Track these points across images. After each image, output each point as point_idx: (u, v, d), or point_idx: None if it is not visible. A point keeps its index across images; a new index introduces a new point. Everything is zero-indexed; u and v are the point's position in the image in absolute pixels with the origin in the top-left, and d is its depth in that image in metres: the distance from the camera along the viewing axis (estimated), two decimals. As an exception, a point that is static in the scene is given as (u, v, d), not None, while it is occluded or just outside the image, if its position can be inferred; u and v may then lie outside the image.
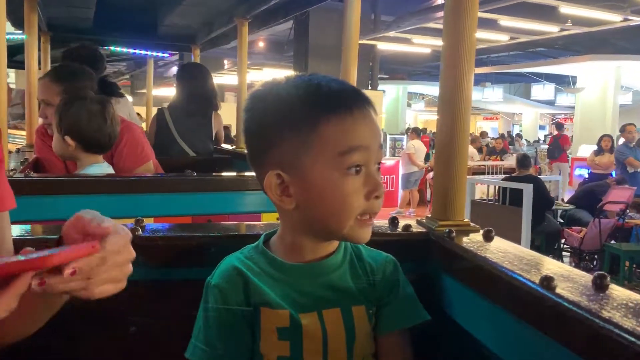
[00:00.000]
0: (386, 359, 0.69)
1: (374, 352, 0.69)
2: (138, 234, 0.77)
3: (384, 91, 12.65)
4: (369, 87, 10.53)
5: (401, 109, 15.39)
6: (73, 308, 0.70)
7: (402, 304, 0.70)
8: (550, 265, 0.64)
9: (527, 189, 4.02)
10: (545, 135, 16.45)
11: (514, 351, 0.61)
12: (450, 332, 0.76)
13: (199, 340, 0.65)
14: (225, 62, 13.49)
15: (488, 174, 7.19)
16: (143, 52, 5.79)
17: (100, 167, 1.52)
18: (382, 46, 10.48)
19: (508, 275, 0.60)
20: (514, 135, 15.94)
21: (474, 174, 7.04)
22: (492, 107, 19.17)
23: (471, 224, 0.85)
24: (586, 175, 7.14)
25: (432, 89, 17.37)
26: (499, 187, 4.48)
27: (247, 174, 1.59)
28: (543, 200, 4.30)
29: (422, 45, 9.89)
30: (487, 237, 0.76)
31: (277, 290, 0.65)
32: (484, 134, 9.62)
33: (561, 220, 4.98)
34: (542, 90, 16.50)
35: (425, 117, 22.39)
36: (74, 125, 1.45)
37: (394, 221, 0.85)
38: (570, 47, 12.18)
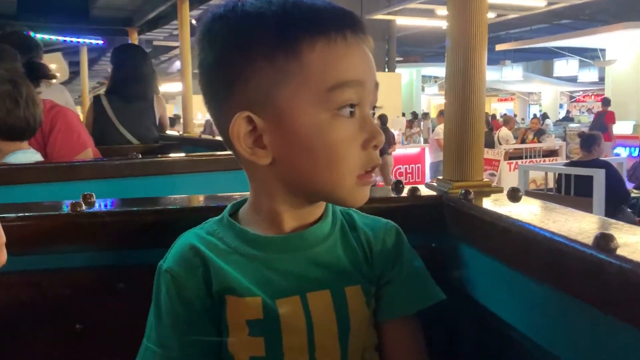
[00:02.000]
0: (391, 352, 0.66)
1: (376, 344, 0.66)
2: (80, 210, 0.76)
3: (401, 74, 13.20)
4: (385, 69, 10.84)
5: (415, 93, 16.10)
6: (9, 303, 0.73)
7: (409, 282, 0.66)
8: (603, 223, 0.60)
9: (599, 176, 3.79)
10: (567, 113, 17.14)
11: (556, 334, 0.58)
12: (471, 315, 0.75)
13: (151, 341, 0.62)
14: None
15: (525, 158, 7.20)
16: (74, 39, 5.83)
17: (25, 154, 1.52)
18: (402, 21, 10.51)
19: (547, 238, 0.56)
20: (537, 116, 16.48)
21: (510, 158, 7.11)
22: (510, 87, 19.71)
23: (493, 184, 0.85)
24: (624, 154, 7.16)
25: (443, 71, 18.13)
26: (559, 174, 4.29)
27: (196, 154, 1.64)
28: (618, 189, 4.03)
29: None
30: (514, 197, 0.74)
31: (247, 272, 0.61)
32: (509, 119, 9.88)
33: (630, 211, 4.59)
34: (565, 66, 16.97)
35: (439, 101, 22.91)
36: None
37: (398, 185, 0.85)
38: (597, 16, 12.58)
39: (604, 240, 0.49)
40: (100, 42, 6.51)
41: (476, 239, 0.72)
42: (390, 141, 7.62)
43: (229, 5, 0.60)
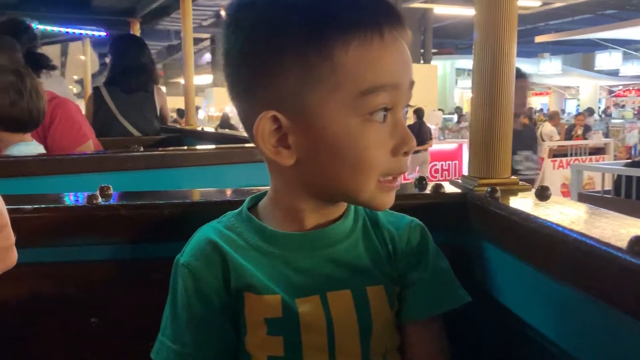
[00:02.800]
0: (413, 353, 0.68)
1: (398, 345, 0.68)
2: (97, 202, 0.81)
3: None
4: (421, 61, 10.92)
5: (449, 86, 16.25)
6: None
7: (434, 283, 0.68)
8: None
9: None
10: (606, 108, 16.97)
11: (583, 339, 0.59)
12: (494, 316, 0.77)
13: (166, 335, 0.64)
14: None
15: (570, 155, 7.23)
16: (77, 31, 5.99)
17: (28, 146, 1.59)
18: (440, 10, 10.48)
19: (576, 240, 0.56)
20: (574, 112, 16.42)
21: (554, 156, 7.06)
22: (546, 81, 19.56)
23: (520, 182, 0.88)
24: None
25: None
26: (617, 175, 4.14)
27: (200, 147, 1.71)
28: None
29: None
30: (542, 196, 0.77)
31: (266, 269, 0.64)
32: (554, 114, 9.72)
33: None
34: (607, 59, 16.79)
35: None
36: None
37: (421, 181, 0.88)
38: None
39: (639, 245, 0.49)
40: (103, 34, 6.65)
41: (502, 239, 0.74)
42: (427, 136, 7.78)
43: None
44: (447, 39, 15.00)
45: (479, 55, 0.87)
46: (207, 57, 19.68)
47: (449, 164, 8.68)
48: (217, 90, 17.35)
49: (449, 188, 0.88)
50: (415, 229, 0.71)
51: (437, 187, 0.86)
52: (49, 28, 6.19)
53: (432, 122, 8.62)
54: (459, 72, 19.17)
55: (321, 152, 0.59)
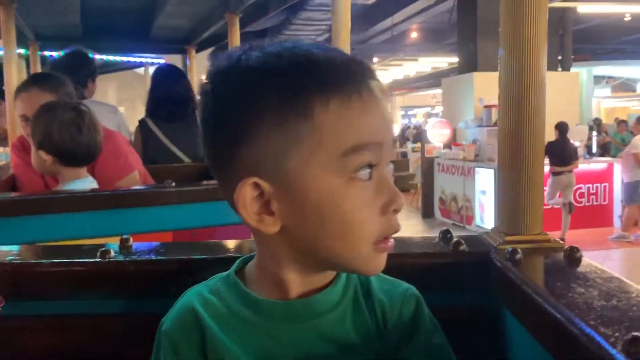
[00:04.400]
0: None
1: None
2: (109, 257, 0.82)
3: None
4: (559, 68, 10.05)
5: (586, 96, 15.39)
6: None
7: None
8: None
9: None
10: None
11: None
12: None
13: None
14: (375, 58, 15.10)
15: None
16: (137, 59, 6.35)
17: (83, 183, 1.68)
18: (585, 8, 9.43)
19: (586, 334, 0.50)
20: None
21: None
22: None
23: (553, 238, 0.82)
24: None
25: (623, 70, 17.54)
26: None
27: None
28: None
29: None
30: (572, 260, 0.71)
31: (247, 341, 0.61)
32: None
33: None
34: None
35: (611, 105, 22.13)
36: (44, 137, 1.61)
37: (446, 235, 0.83)
38: None
39: (635, 346, 0.45)
40: (162, 61, 7.02)
41: (518, 311, 0.68)
42: (572, 155, 6.89)
43: (233, 57, 0.59)
44: (584, 44, 14.22)
45: (503, 86, 0.83)
46: None
47: (597, 187, 7.75)
48: None
49: (471, 245, 0.82)
50: (410, 300, 0.67)
51: (457, 245, 0.80)
52: (111, 58, 6.61)
53: (576, 138, 7.53)
54: (596, 79, 18.07)
55: (306, 217, 0.57)
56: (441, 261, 0.79)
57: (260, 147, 0.57)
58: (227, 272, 0.68)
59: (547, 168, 6.84)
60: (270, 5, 4.11)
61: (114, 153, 1.93)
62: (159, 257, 0.84)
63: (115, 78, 12.52)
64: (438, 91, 18.51)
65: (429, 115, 25.19)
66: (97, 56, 5.89)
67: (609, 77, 19.75)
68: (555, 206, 6.95)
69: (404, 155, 13.33)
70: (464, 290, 0.78)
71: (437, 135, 8.87)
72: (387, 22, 11.94)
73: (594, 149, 8.69)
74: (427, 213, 8.91)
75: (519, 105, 0.82)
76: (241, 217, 0.60)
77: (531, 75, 0.82)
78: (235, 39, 3.69)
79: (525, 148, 0.81)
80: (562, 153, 6.76)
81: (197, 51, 5.71)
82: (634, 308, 0.54)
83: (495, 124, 7.97)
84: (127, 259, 0.84)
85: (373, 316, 0.65)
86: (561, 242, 0.80)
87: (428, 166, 8.95)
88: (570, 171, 6.86)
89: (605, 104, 21.33)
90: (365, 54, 15.25)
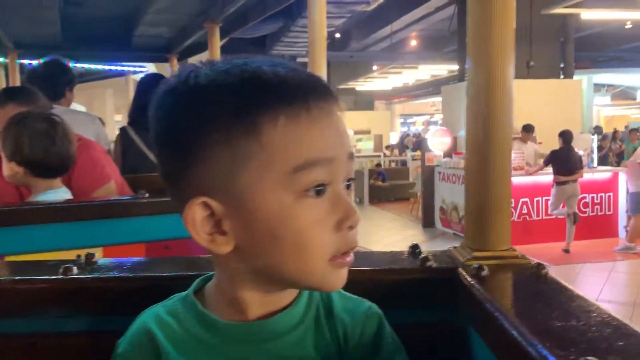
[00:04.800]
0: None
1: None
2: (70, 274, 0.80)
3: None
4: (561, 76, 9.88)
5: (586, 104, 15.34)
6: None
7: None
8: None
9: None
10: None
11: None
12: None
13: None
14: (375, 66, 15.41)
15: None
16: (119, 67, 6.31)
17: (56, 193, 1.65)
18: (588, 15, 9.25)
19: (542, 356, 0.49)
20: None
21: None
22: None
23: (521, 254, 0.81)
24: None
25: (623, 78, 17.69)
26: None
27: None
28: None
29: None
30: (538, 277, 0.70)
31: None
32: None
33: None
34: None
35: (611, 113, 22.21)
36: (16, 149, 1.58)
37: (415, 250, 0.83)
38: None
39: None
40: (145, 69, 6.99)
41: (482, 329, 0.67)
42: (576, 165, 6.74)
43: (182, 76, 0.58)
44: (584, 52, 14.25)
45: (470, 104, 0.81)
46: None
47: (601, 197, 7.62)
48: None
49: (438, 261, 0.82)
50: (372, 319, 0.66)
51: (424, 261, 0.79)
52: (92, 66, 6.55)
53: (580, 147, 7.36)
54: (595, 87, 17.97)
55: (258, 236, 0.56)
56: (408, 277, 0.78)
57: (208, 165, 0.56)
58: (186, 291, 0.67)
59: (551, 177, 6.82)
60: (250, 14, 4.13)
61: (90, 163, 1.91)
62: (123, 274, 0.82)
63: (111, 85, 12.36)
64: (437, 99, 18.30)
65: (428, 123, 25.38)
66: (78, 65, 5.86)
67: (609, 85, 19.90)
68: (559, 216, 6.91)
69: (404, 163, 13.36)
70: (432, 307, 0.77)
71: (437, 143, 8.77)
72: (387, 30, 11.97)
73: (595, 160, 8.36)
74: (427, 223, 8.77)
75: (485, 118, 0.82)
76: (193, 237, 0.58)
77: (498, 87, 0.82)
78: (215, 48, 3.70)
79: (493, 162, 0.81)
80: (566, 162, 6.68)
81: (179, 60, 5.71)
82: (593, 329, 0.54)
83: None
84: (90, 276, 0.82)
85: (334, 336, 0.64)
86: (528, 258, 0.80)
87: (429, 175, 8.83)
88: (575, 181, 6.73)
89: (605, 112, 21.60)
90: (365, 62, 15.28)
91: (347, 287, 0.68)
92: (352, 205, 0.57)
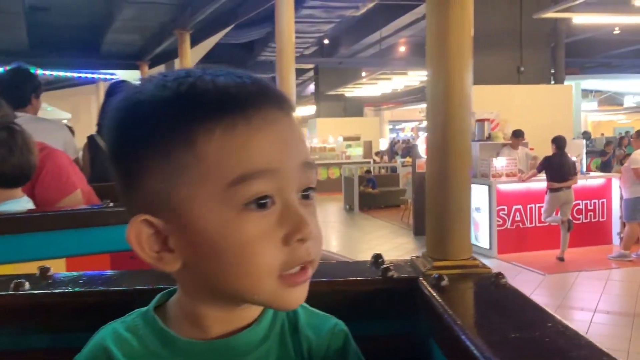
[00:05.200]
0: None
1: None
2: (22, 290, 0.77)
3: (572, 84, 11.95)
4: (552, 81, 9.77)
5: (574, 109, 15.48)
6: None
7: None
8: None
9: None
10: None
11: None
12: None
13: None
14: (363, 72, 15.25)
15: None
16: (89, 75, 6.20)
17: (18, 203, 1.59)
18: (580, 19, 8.93)
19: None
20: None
21: None
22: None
23: (482, 263, 0.81)
24: None
25: (610, 84, 17.78)
26: None
27: None
28: None
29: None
30: (497, 287, 0.70)
31: None
32: None
33: None
34: None
35: (597, 119, 22.29)
36: None
37: (377, 260, 0.82)
38: None
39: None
40: (115, 76, 6.89)
41: (441, 341, 0.66)
42: (570, 171, 6.58)
43: (128, 93, 0.58)
44: (572, 58, 14.24)
45: (430, 111, 0.81)
46: (311, 88, 20.12)
47: (594, 203, 7.46)
48: (321, 120, 17.55)
49: (400, 271, 0.81)
50: (338, 336, 0.65)
51: (386, 271, 0.78)
52: (61, 73, 6.42)
53: (573, 153, 7.20)
54: (583, 93, 17.93)
55: (202, 253, 0.54)
56: (369, 288, 0.77)
57: (150, 182, 0.55)
58: (146, 307, 0.64)
59: (544, 184, 6.72)
60: (220, 21, 4.11)
61: (55, 172, 1.86)
62: (77, 289, 0.79)
63: (95, 91, 12.11)
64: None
65: (417, 129, 25.24)
66: (47, 72, 5.74)
67: (597, 91, 20.09)
68: (552, 224, 6.80)
69: (394, 170, 13.24)
70: (394, 318, 0.76)
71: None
72: (376, 36, 11.96)
73: (584, 167, 8.03)
74: (419, 230, 8.40)
75: (444, 127, 0.81)
76: (139, 256, 0.57)
77: (456, 95, 0.81)
78: (185, 55, 3.66)
79: (452, 171, 0.81)
80: (560, 168, 6.53)
81: (150, 67, 5.64)
82: (547, 340, 0.54)
83: (488, 138, 7.81)
84: (43, 291, 0.79)
85: (299, 353, 0.62)
86: (488, 267, 0.80)
87: (420, 182, 8.38)
88: (569, 187, 6.58)
89: (592, 118, 21.91)
90: (354, 68, 15.36)
91: (308, 300, 0.66)
92: (304, 217, 0.54)
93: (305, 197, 0.57)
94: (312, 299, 0.69)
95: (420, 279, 0.77)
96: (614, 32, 12.31)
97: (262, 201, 0.53)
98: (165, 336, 0.60)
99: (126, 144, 0.56)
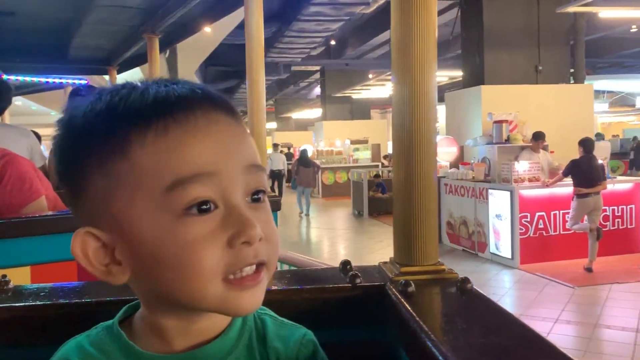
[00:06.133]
0: None
1: None
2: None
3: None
4: (571, 80, 9.14)
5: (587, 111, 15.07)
6: None
7: None
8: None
9: None
10: None
11: None
12: None
13: None
14: (370, 74, 14.93)
15: None
16: (57, 80, 6.05)
17: None
18: (607, 13, 8.53)
19: None
20: None
21: None
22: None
23: (448, 269, 0.82)
24: None
25: (623, 84, 17.49)
26: None
27: None
28: None
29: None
30: (463, 292, 0.70)
31: None
32: None
33: None
34: None
35: (608, 120, 22.08)
36: None
37: (346, 266, 0.81)
38: None
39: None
40: (84, 81, 6.74)
41: (408, 347, 0.66)
42: (599, 175, 6.07)
43: (68, 108, 0.58)
44: (585, 58, 14.16)
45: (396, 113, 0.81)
46: (317, 90, 19.64)
47: (622, 209, 6.93)
48: (327, 123, 17.07)
49: (368, 277, 0.80)
50: (306, 346, 0.64)
51: (354, 278, 0.78)
52: (27, 79, 6.25)
53: (601, 156, 6.70)
54: (595, 94, 17.88)
55: (144, 261, 0.53)
56: (337, 295, 0.77)
57: (89, 193, 0.54)
58: (111, 320, 0.62)
59: (568, 188, 6.30)
60: (189, 26, 4.06)
61: (18, 178, 1.80)
62: (39, 302, 0.77)
63: (64, 95, 11.85)
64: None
65: None
66: (12, 77, 5.58)
67: (609, 92, 19.78)
68: (579, 232, 6.26)
69: None
70: (362, 324, 0.75)
71: (443, 153, 8.00)
72: (384, 36, 11.62)
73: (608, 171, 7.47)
74: None
75: (409, 132, 0.81)
76: (87, 269, 0.56)
77: (421, 100, 0.82)
78: (155, 60, 3.61)
79: (417, 176, 0.81)
80: (588, 172, 6.00)
81: (119, 72, 5.55)
82: (512, 344, 0.54)
83: (507, 141, 7.32)
84: (1, 305, 0.76)
85: None
86: (455, 272, 0.80)
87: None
88: (598, 193, 6.02)
89: (602, 119, 21.90)
90: (361, 70, 15.05)
91: (275, 307, 0.67)
92: (249, 220, 0.53)
93: (256, 200, 0.56)
94: (281, 305, 0.68)
95: (388, 285, 0.76)
96: (631, 30, 11.69)
97: (203, 207, 0.52)
98: (129, 351, 0.59)
99: (67, 158, 0.56)
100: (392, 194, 0.85)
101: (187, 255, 0.52)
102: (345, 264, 0.83)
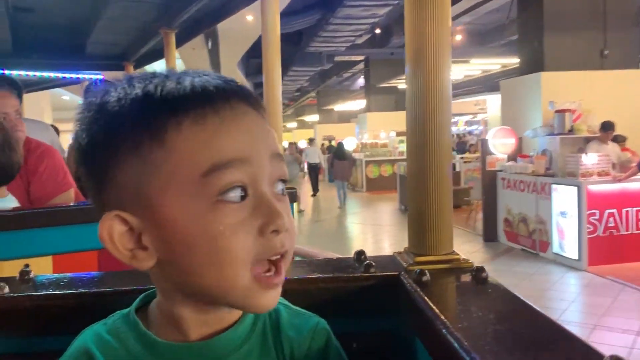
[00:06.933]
0: None
1: None
2: (1, 294, 0.75)
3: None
4: None
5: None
6: None
7: None
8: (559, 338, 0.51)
9: None
10: None
11: None
12: None
13: None
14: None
15: None
16: (73, 75, 6.10)
17: (2, 202, 1.57)
18: None
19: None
20: None
21: None
22: None
23: (463, 258, 0.81)
24: None
25: None
26: None
27: None
28: None
29: None
30: (477, 281, 0.70)
31: None
32: None
33: None
34: None
35: None
36: None
37: (360, 256, 0.81)
38: None
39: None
40: (100, 76, 6.79)
41: (423, 336, 0.65)
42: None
43: (99, 92, 0.58)
44: None
45: (410, 108, 0.80)
46: (361, 81, 18.99)
47: None
48: (371, 115, 16.35)
49: (382, 267, 0.80)
50: (320, 335, 0.64)
51: (368, 267, 0.78)
52: (45, 74, 6.31)
53: None
54: None
55: (176, 247, 0.53)
56: (352, 284, 0.76)
57: (121, 179, 0.54)
58: (128, 309, 0.64)
59: None
60: (205, 20, 4.07)
61: (53, 169, 1.88)
62: (58, 292, 0.78)
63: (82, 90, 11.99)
64: (482, 97, 16.87)
65: (470, 123, 23.60)
66: (31, 73, 5.64)
67: None
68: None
69: (452, 166, 12.25)
70: (377, 314, 0.75)
71: (499, 145, 7.44)
72: None
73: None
74: (490, 236, 7.43)
75: (423, 123, 0.81)
76: (113, 254, 0.56)
77: (436, 92, 0.81)
78: (171, 55, 3.62)
79: (432, 167, 0.81)
80: None
81: (136, 67, 5.58)
82: (527, 331, 0.53)
83: (570, 131, 6.78)
84: (22, 294, 0.77)
85: (280, 353, 0.62)
86: (470, 261, 0.79)
87: (490, 181, 7.43)
88: None
89: None
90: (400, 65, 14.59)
91: (290, 296, 0.67)
92: (277, 209, 0.54)
93: (279, 191, 0.57)
94: (296, 295, 0.68)
95: (403, 274, 0.76)
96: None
97: (235, 193, 0.53)
98: (146, 339, 0.59)
99: (98, 142, 0.56)
100: (407, 183, 0.85)
101: (222, 241, 0.52)
102: (360, 253, 0.83)
